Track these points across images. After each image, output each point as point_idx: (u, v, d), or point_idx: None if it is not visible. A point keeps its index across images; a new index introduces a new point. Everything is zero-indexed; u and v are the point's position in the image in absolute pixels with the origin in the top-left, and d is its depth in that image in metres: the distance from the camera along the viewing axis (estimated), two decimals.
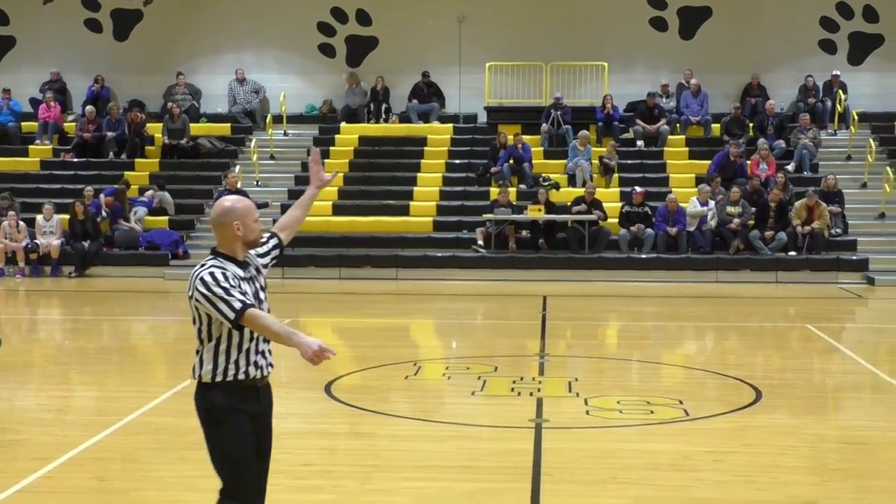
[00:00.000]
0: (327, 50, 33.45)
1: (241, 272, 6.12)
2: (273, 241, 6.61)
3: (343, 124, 32.03)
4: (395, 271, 26.24)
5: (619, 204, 27.49)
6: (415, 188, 29.30)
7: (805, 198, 26.40)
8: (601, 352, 17.14)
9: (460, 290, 24.35)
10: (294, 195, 27.92)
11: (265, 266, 6.41)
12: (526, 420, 11.23)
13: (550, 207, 26.98)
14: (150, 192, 28.61)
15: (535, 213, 26.73)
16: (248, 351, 6.11)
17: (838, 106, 31.29)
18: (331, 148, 30.97)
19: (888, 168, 28.47)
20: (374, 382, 13.34)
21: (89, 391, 13.49)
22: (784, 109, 31.53)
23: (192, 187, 29.65)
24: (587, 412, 11.71)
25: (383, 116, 32.23)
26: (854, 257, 26.26)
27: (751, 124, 30.74)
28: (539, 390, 12.92)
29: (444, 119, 32.35)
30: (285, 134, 32.27)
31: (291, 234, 6.81)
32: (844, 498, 8.73)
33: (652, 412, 11.78)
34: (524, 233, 27.13)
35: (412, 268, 26.29)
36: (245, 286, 6.07)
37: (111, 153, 30.77)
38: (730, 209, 26.61)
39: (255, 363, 6.16)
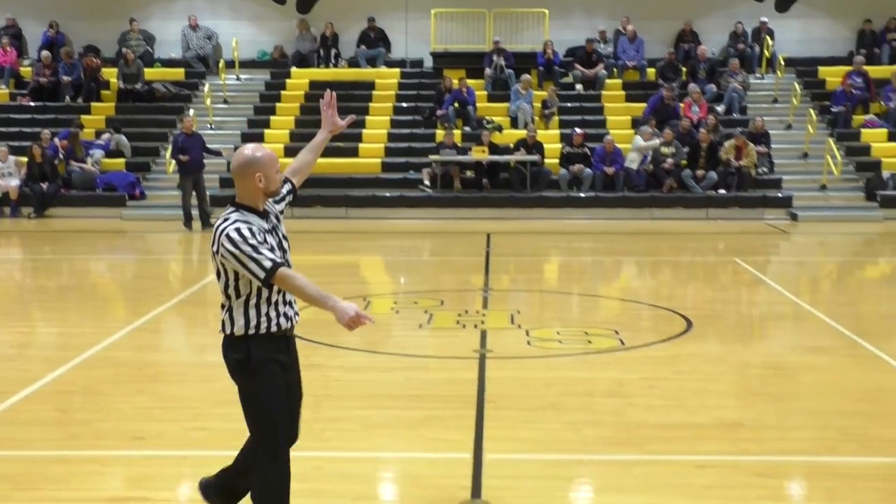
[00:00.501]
0: None
1: (265, 224, 5.98)
2: (287, 187, 6.42)
3: (294, 69, 32.23)
4: (345, 210, 26.59)
5: (560, 145, 27.98)
6: (363, 131, 29.46)
7: (734, 138, 27.00)
8: (542, 286, 17.68)
9: (408, 229, 24.68)
10: (247, 138, 28.15)
11: (281, 212, 6.24)
12: (470, 351, 11.59)
13: (494, 149, 27.46)
14: (106, 136, 28.76)
15: (479, 154, 27.18)
16: (276, 303, 6.00)
17: (766, 51, 32.04)
18: (282, 92, 31.30)
19: (811, 110, 29.31)
20: (324, 316, 12.90)
21: (50, 327, 13.74)
22: (715, 55, 32.11)
23: (147, 130, 29.81)
24: (528, 343, 12.12)
25: (332, 62, 32.42)
26: (779, 195, 26.99)
27: (684, 69, 31.31)
28: (483, 322, 13.28)
29: (390, 64, 32.58)
30: (238, 79, 32.51)
31: (304, 178, 6.65)
32: (767, 419, 9.14)
33: (590, 342, 12.19)
34: (468, 173, 27.54)
35: (361, 207, 26.66)
36: (270, 238, 5.95)
37: (67, 97, 30.85)
38: (663, 150, 27.15)
39: (285, 314, 6.05)
